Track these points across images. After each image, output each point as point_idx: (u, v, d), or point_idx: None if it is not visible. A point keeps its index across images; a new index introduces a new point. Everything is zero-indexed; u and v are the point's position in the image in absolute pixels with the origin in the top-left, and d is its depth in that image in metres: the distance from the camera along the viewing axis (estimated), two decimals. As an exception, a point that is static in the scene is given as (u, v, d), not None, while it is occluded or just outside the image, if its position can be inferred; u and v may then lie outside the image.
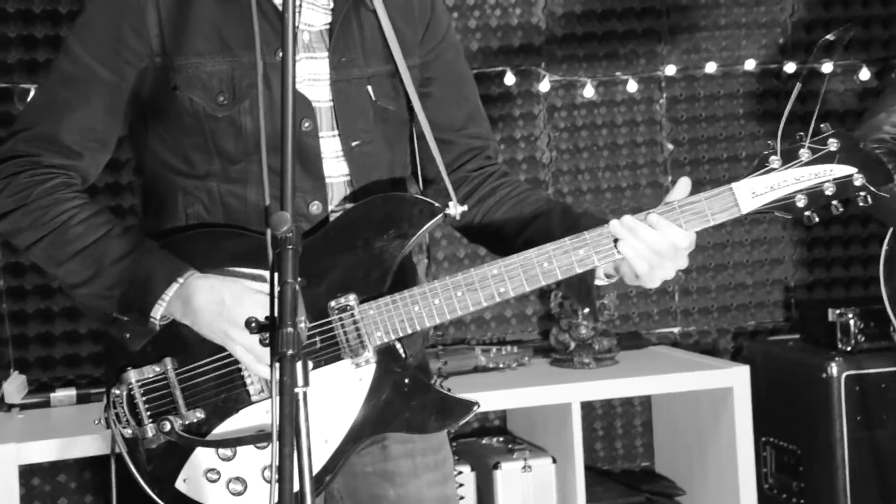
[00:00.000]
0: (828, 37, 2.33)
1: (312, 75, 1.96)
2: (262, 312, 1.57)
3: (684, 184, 1.90)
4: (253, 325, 1.56)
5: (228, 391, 1.92)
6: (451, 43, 2.10)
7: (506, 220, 2.07)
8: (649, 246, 1.86)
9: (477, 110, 2.14)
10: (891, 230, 2.84)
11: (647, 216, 1.88)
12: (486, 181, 2.10)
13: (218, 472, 1.92)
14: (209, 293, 1.86)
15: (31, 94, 3.34)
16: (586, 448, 3.56)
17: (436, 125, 2.07)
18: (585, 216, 2.00)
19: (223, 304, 1.85)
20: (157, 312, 1.87)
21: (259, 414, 1.91)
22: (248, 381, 1.92)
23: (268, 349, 1.51)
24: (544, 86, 3.66)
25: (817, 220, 1.87)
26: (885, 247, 2.86)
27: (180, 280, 1.87)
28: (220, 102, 1.91)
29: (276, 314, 1.51)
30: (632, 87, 3.71)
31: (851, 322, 3.37)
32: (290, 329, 1.48)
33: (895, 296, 2.85)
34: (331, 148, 1.97)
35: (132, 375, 1.93)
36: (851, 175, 1.85)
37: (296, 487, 1.48)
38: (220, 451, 1.91)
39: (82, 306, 1.98)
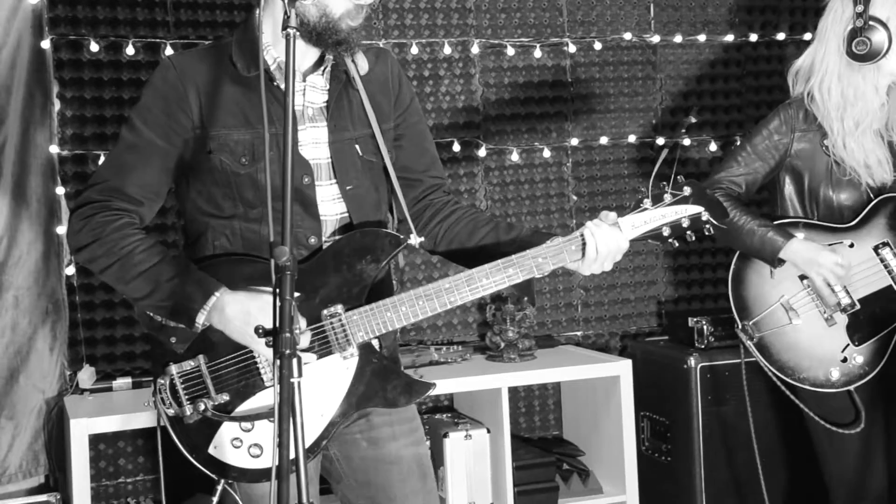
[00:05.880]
0: (688, 118, 2.43)
1: (314, 140, 1.94)
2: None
3: (607, 217, 1.94)
4: (260, 331, 1.55)
5: (247, 379, 1.90)
6: (414, 109, 2.08)
7: (464, 230, 2.05)
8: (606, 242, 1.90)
9: (435, 158, 2.12)
10: (737, 253, 2.77)
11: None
12: (446, 206, 2.09)
13: (240, 441, 1.90)
14: (238, 305, 1.83)
15: (102, 158, 3.10)
16: (512, 421, 3.57)
17: (407, 168, 2.06)
18: (524, 229, 2.02)
19: (249, 314, 1.81)
20: (201, 319, 1.84)
21: (271, 396, 1.88)
22: (261, 370, 1.90)
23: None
24: (482, 152, 3.64)
25: (677, 244, 1.91)
26: (732, 265, 2.78)
27: (217, 294, 1.84)
28: (242, 163, 1.90)
29: (277, 323, 1.51)
30: (546, 153, 3.70)
31: (705, 327, 3.34)
32: (288, 334, 1.49)
33: (739, 302, 2.76)
34: (329, 193, 1.95)
35: (174, 369, 1.91)
36: (700, 212, 1.89)
37: (293, 453, 1.47)
38: (242, 424, 1.89)
39: (140, 316, 1.94)
